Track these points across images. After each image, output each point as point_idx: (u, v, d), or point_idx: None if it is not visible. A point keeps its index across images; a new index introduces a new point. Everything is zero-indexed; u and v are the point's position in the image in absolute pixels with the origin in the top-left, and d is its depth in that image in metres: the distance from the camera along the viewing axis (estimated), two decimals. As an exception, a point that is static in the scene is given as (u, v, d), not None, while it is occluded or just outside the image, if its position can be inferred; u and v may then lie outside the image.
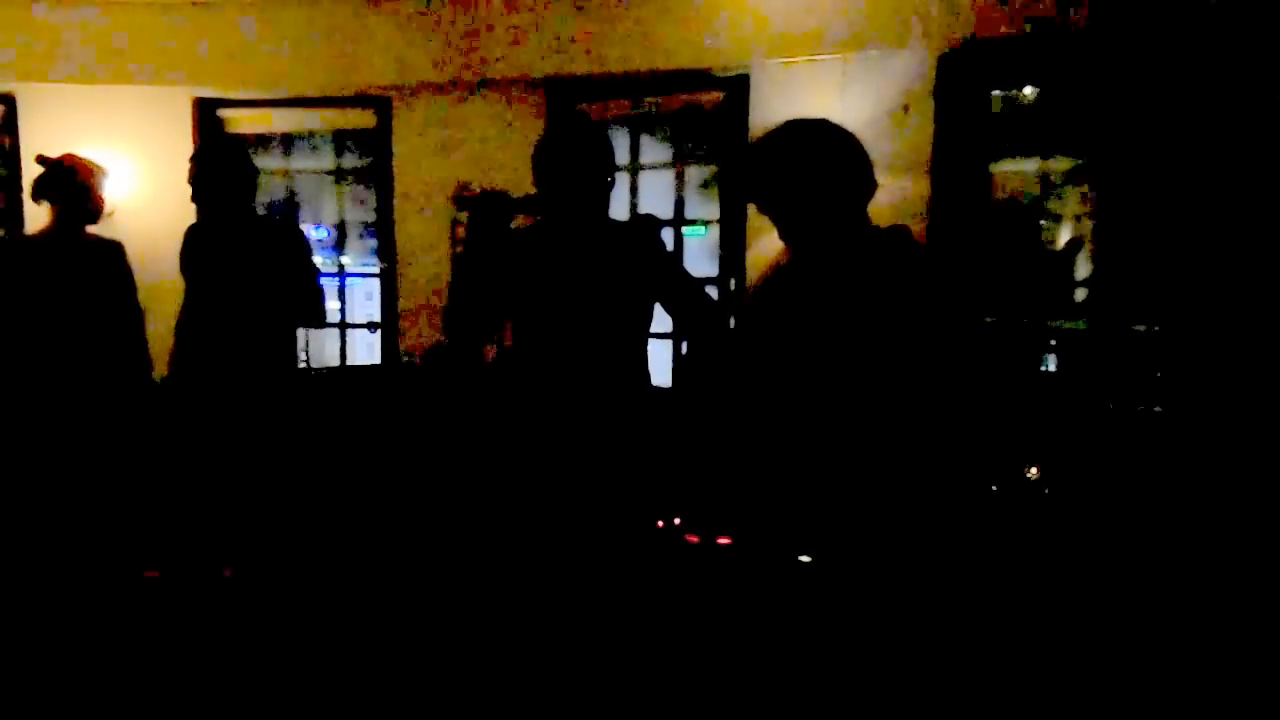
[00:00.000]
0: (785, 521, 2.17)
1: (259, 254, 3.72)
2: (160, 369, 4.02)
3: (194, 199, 3.80)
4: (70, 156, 3.96)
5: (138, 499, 3.99)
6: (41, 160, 3.94)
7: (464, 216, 4.47)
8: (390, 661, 3.23)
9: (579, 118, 5.20)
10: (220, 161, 3.78)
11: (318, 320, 3.86)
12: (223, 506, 3.74)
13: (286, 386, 3.82)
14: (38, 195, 3.91)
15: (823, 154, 2.05)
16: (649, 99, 5.28)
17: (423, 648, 3.33)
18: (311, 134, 6.03)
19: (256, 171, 3.88)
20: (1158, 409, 3.98)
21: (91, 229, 4.01)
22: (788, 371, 2.11)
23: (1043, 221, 4.70)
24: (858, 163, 2.07)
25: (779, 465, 2.17)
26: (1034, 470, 3.67)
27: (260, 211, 4.20)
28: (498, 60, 5.36)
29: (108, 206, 4.15)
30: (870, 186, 2.09)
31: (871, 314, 1.99)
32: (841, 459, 2.03)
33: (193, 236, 3.85)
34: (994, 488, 3.42)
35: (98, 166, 4.00)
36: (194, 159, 3.80)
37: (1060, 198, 4.73)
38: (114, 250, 4.01)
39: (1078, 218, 4.65)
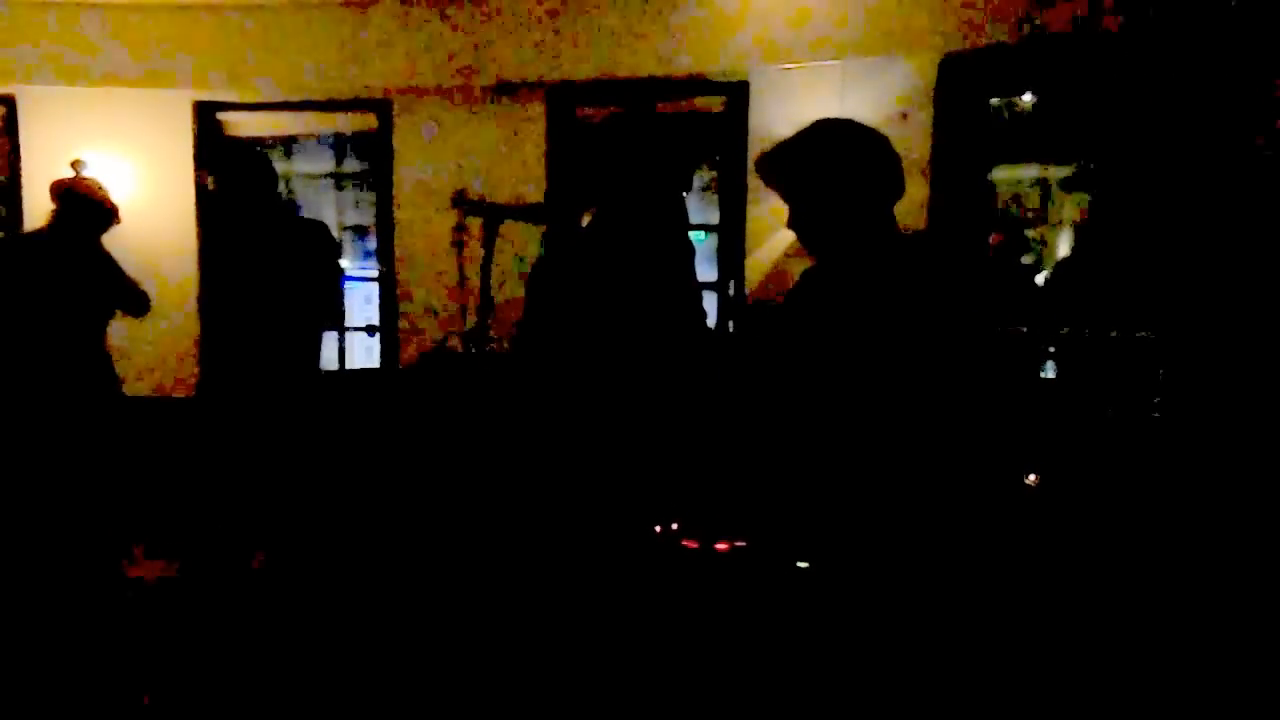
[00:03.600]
0: (797, 528, 2.17)
1: (290, 255, 3.71)
2: (154, 373, 4.08)
3: (219, 204, 3.83)
4: (92, 190, 4.02)
5: (135, 498, 4.02)
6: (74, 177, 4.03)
7: (471, 222, 4.49)
8: (388, 664, 3.22)
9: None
10: (238, 167, 3.77)
11: (338, 322, 3.90)
12: (246, 507, 3.75)
13: (312, 388, 3.84)
14: (60, 202, 3.96)
15: (854, 154, 2.03)
16: (650, 104, 5.28)
17: (421, 652, 3.32)
18: (312, 137, 6.04)
19: (275, 173, 3.86)
20: (1156, 415, 3.98)
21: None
22: (816, 380, 2.10)
23: (1042, 227, 4.71)
24: (888, 165, 2.05)
25: (800, 473, 2.16)
26: (1033, 477, 3.67)
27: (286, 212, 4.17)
28: (499, 65, 5.36)
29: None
30: (899, 190, 2.07)
31: (901, 322, 1.97)
32: (867, 468, 2.02)
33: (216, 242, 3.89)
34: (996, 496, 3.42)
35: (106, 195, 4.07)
36: (207, 170, 3.83)
37: (1059, 202, 4.74)
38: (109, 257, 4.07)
39: (1052, 225, 4.67)
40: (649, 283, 2.61)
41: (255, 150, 4.04)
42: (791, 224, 2.10)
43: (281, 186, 5.92)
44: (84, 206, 3.94)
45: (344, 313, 3.87)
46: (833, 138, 2.06)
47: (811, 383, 2.10)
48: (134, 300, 4.06)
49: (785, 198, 2.10)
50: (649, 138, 2.66)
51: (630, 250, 2.61)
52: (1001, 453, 2.12)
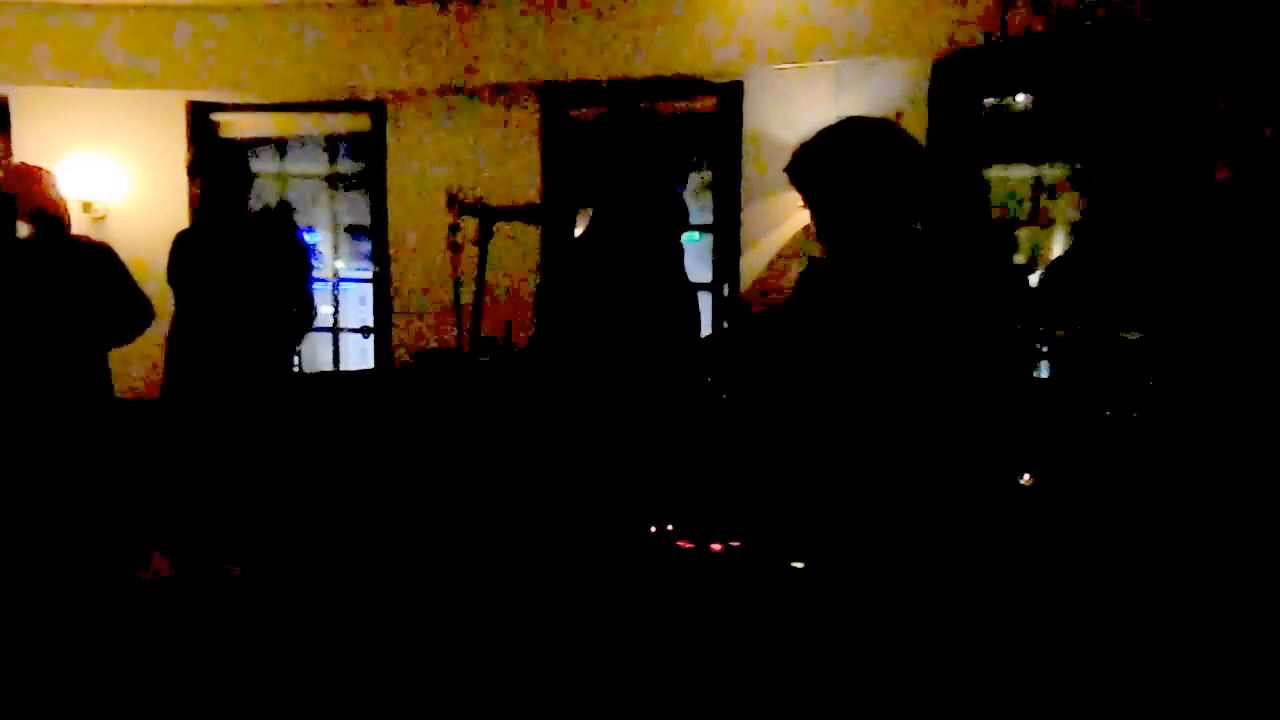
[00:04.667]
0: (797, 527, 2.17)
1: (258, 260, 3.69)
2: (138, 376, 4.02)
3: (198, 204, 3.77)
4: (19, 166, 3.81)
5: (130, 502, 3.98)
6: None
7: (466, 223, 4.48)
8: (382, 664, 3.22)
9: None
10: (219, 168, 3.74)
11: (307, 324, 3.85)
12: (221, 511, 3.72)
13: (284, 392, 3.80)
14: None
15: (885, 156, 2.01)
16: (643, 105, 5.27)
17: (414, 652, 3.32)
18: (305, 138, 6.03)
19: (252, 176, 3.84)
20: (1151, 416, 3.99)
21: (80, 233, 3.92)
22: (827, 378, 2.09)
23: (1035, 227, 4.72)
24: (918, 171, 2.02)
25: (807, 470, 2.15)
26: (1028, 478, 3.67)
27: (255, 213, 4.10)
28: (493, 66, 5.36)
29: (98, 209, 4.09)
30: (924, 200, 2.04)
31: (916, 321, 1.96)
32: (868, 467, 2.02)
33: (183, 242, 3.80)
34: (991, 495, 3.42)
35: (35, 171, 3.81)
36: (193, 169, 3.75)
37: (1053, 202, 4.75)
38: (103, 253, 3.93)
39: (1045, 226, 4.67)
40: (647, 284, 2.60)
41: (234, 150, 3.97)
42: (819, 226, 2.06)
43: (276, 187, 5.94)
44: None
45: (313, 316, 3.84)
46: (872, 138, 2.03)
47: (822, 381, 2.09)
48: (128, 310, 3.80)
49: (814, 196, 2.06)
50: (642, 134, 2.65)
51: (630, 252, 2.60)
52: (1001, 453, 2.12)
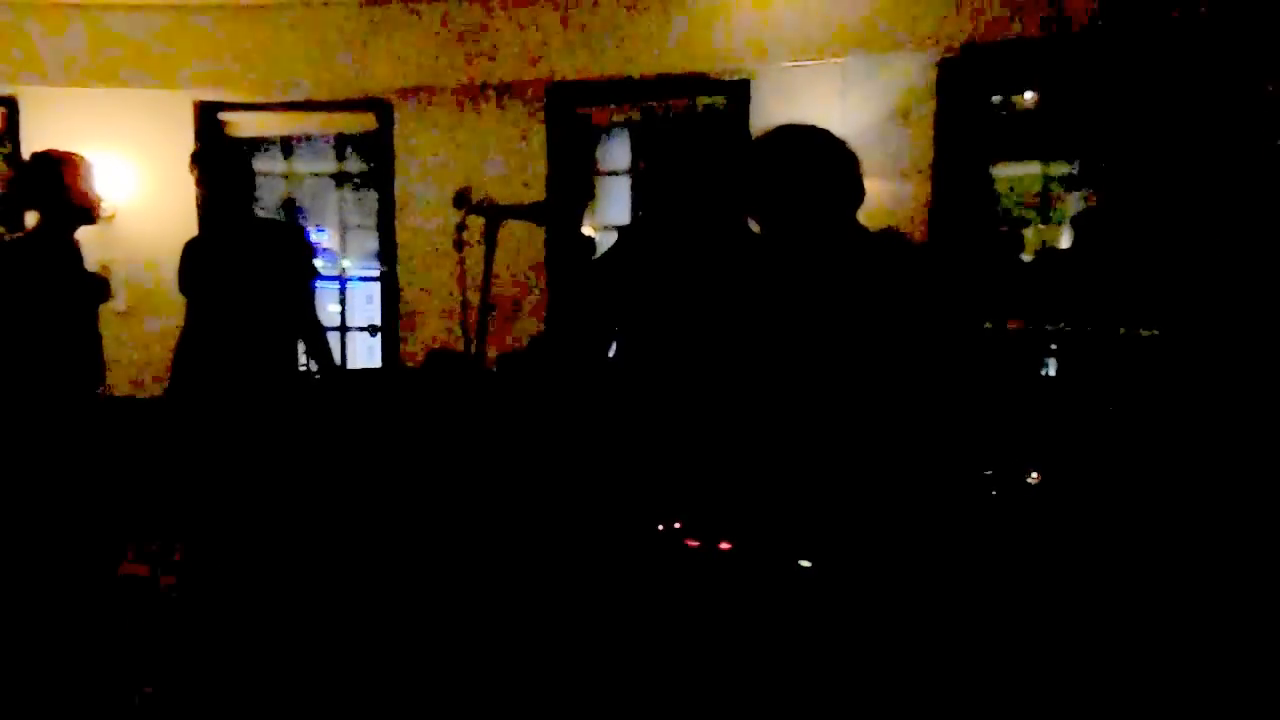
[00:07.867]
0: (779, 525, 2.17)
1: (264, 263, 3.69)
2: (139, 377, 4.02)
3: (200, 202, 3.76)
4: (51, 151, 3.65)
5: (123, 501, 3.99)
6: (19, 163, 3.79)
7: (473, 222, 4.48)
8: (387, 662, 3.22)
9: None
10: (221, 164, 3.73)
11: (310, 331, 3.86)
12: (228, 512, 3.73)
13: (290, 393, 3.81)
14: (23, 201, 3.75)
15: (809, 162, 2.06)
16: (650, 103, 5.28)
17: (421, 650, 3.32)
18: (312, 137, 6.04)
19: (254, 174, 3.84)
20: (1156, 413, 3.98)
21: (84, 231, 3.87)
22: (778, 368, 2.12)
23: (1043, 225, 4.71)
24: (845, 171, 2.07)
25: (770, 467, 2.17)
26: (1035, 475, 3.66)
27: (261, 214, 4.11)
28: (500, 64, 5.36)
29: (106, 208, 4.04)
30: (858, 195, 2.09)
31: (863, 313, 1.99)
32: (833, 459, 2.03)
33: (193, 250, 3.80)
34: (994, 491, 3.41)
35: (82, 159, 3.66)
36: (195, 161, 3.74)
37: (1061, 200, 4.74)
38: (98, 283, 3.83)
39: (1055, 223, 4.66)
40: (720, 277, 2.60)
41: (237, 149, 3.95)
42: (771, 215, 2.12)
43: (282, 186, 5.94)
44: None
45: (317, 322, 3.86)
46: (785, 147, 2.09)
47: (780, 373, 2.13)
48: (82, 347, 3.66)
49: (750, 211, 2.13)
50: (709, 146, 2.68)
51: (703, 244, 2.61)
52: (975, 442, 2.14)
